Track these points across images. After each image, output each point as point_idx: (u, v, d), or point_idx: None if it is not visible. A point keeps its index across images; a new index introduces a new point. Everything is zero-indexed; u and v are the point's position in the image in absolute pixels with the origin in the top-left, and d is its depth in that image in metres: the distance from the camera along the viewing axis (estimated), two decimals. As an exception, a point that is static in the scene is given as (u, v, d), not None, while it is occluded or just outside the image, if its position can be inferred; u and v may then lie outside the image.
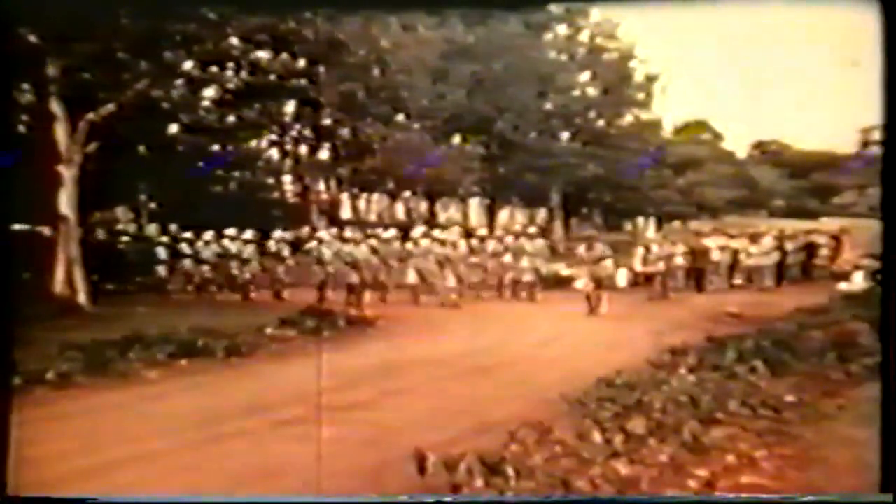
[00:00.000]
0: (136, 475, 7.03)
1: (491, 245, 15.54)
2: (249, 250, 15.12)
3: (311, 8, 14.87)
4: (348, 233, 15.60)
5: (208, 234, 15.26)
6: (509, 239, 15.55)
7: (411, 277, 14.91)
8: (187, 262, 15.14)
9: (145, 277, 15.05)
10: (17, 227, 10.55)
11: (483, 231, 16.21)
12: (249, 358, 11.48)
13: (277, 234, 15.37)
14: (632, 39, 18.63)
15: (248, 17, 14.81)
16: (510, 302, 14.66)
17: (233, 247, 15.20)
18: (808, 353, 10.70)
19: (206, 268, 15.10)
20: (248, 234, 15.28)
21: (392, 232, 15.64)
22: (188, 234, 15.31)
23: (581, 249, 14.95)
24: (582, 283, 14.45)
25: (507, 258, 15.23)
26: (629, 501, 6.65)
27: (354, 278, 14.77)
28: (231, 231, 15.34)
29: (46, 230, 13.55)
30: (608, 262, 14.56)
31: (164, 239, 15.29)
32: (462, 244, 15.35)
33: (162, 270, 15.13)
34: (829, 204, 18.29)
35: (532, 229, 15.67)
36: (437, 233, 15.49)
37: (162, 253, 15.20)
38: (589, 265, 14.38)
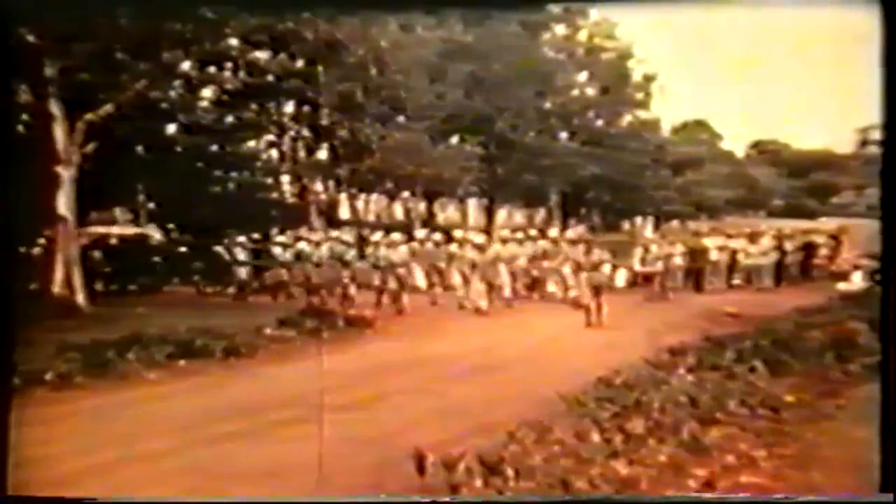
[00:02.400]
0: (135, 475, 7.02)
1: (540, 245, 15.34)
2: (322, 252, 15.05)
3: (310, 8, 14.86)
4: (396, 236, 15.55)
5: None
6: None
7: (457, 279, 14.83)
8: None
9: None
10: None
11: (537, 231, 16.06)
12: (249, 358, 11.47)
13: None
14: (630, 39, 18.67)
15: (247, 17, 14.79)
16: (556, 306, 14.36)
17: (307, 248, 15.23)
18: (807, 352, 10.71)
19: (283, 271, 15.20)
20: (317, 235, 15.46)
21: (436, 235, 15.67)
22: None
23: (577, 254, 14.69)
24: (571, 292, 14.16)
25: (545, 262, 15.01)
26: (628, 501, 6.65)
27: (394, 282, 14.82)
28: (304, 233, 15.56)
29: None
30: (606, 268, 14.04)
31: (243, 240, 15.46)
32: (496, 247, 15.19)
33: (243, 273, 15.29)
34: (827, 204, 18.33)
35: (570, 233, 15.21)
36: (471, 235, 15.32)
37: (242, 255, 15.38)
38: (586, 271, 13.98)
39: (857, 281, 14.40)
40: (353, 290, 14.66)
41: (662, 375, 9.77)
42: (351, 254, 14.92)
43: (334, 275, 14.65)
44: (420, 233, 15.80)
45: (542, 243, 15.37)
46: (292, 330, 12.75)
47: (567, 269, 14.63)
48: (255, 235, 15.53)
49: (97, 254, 15.08)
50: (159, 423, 8.45)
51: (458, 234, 15.46)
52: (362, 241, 15.29)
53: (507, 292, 14.80)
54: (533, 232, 15.84)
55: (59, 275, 13.45)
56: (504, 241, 15.43)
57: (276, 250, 15.25)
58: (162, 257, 15.60)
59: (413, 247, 15.30)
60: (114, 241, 15.63)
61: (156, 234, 15.92)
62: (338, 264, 14.77)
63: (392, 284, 14.74)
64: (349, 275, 14.72)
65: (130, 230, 15.99)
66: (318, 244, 15.13)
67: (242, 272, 15.35)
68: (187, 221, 16.06)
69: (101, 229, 15.68)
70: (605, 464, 6.98)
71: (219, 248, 15.35)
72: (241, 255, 15.37)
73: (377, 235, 15.39)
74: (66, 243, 13.53)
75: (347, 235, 15.35)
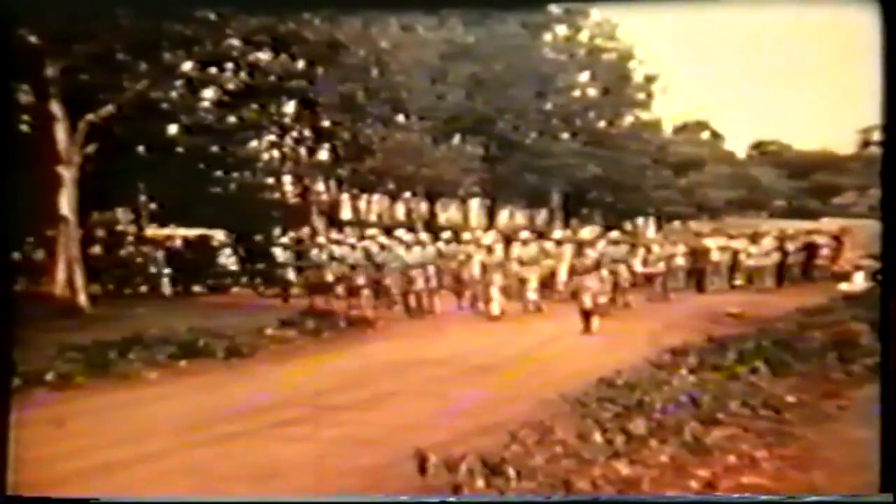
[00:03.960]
0: (136, 475, 7.02)
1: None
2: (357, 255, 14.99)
3: (311, 9, 14.85)
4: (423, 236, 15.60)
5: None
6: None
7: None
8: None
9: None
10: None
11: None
12: (250, 358, 11.47)
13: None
14: (631, 40, 18.68)
15: (248, 17, 14.78)
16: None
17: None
18: (808, 353, 10.68)
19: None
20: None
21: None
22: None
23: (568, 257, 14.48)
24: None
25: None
26: (630, 502, 6.64)
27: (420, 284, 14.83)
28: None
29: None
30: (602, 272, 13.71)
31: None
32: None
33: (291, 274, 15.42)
34: (829, 204, 18.33)
35: (614, 234, 14.90)
36: (485, 239, 15.15)
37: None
38: (578, 275, 13.75)
39: (859, 281, 14.39)
40: (395, 290, 14.75)
41: (664, 376, 9.76)
42: (382, 255, 14.82)
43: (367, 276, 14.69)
44: (468, 235, 15.70)
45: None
46: (293, 330, 12.77)
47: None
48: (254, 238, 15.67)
49: (160, 254, 15.27)
50: (160, 423, 8.44)
51: (486, 239, 15.19)
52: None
53: (532, 296, 14.69)
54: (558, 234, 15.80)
55: (61, 275, 13.45)
56: (522, 242, 15.17)
57: (313, 251, 15.28)
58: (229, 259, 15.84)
59: (439, 249, 15.33)
60: (178, 242, 15.80)
61: (219, 236, 16.04)
62: (371, 266, 14.76)
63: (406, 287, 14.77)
64: (381, 277, 14.71)
65: (193, 232, 16.11)
66: (352, 247, 15.10)
67: (289, 273, 15.39)
68: (188, 222, 16.09)
69: (167, 231, 15.81)
70: (606, 464, 6.97)
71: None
72: (284, 255, 15.50)
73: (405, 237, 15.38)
74: (68, 244, 13.54)
75: (384, 238, 15.21)
